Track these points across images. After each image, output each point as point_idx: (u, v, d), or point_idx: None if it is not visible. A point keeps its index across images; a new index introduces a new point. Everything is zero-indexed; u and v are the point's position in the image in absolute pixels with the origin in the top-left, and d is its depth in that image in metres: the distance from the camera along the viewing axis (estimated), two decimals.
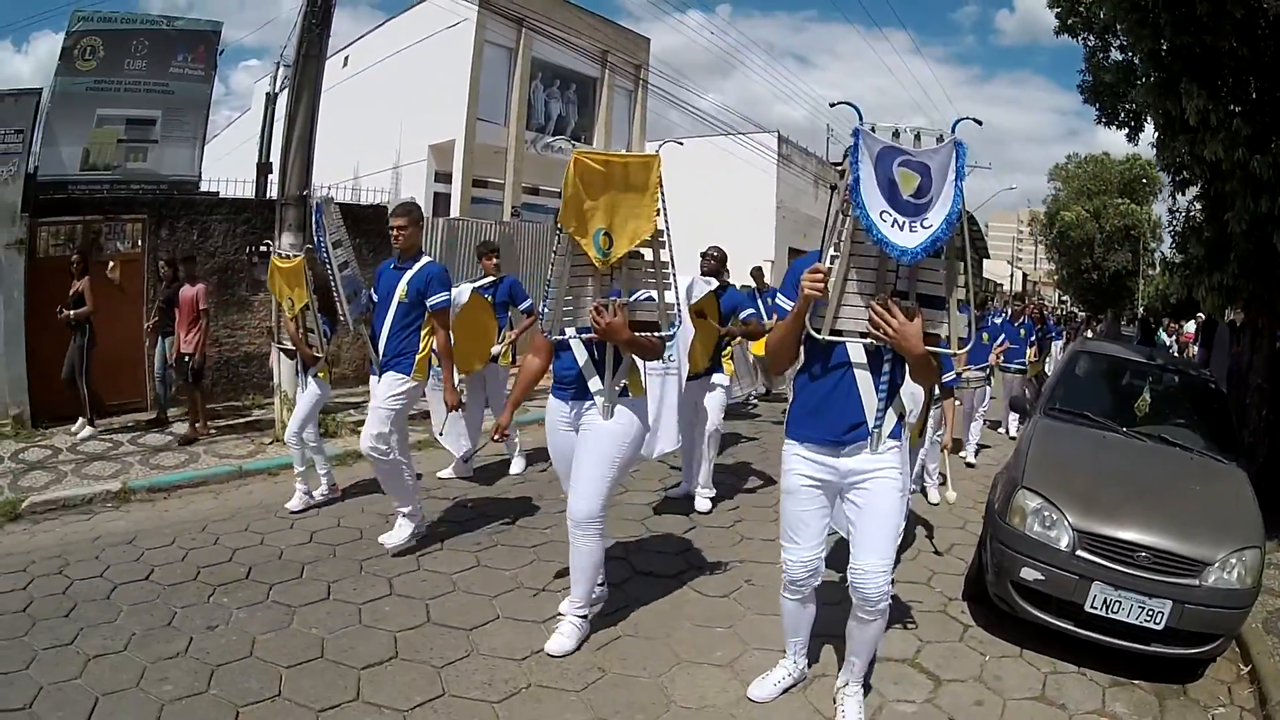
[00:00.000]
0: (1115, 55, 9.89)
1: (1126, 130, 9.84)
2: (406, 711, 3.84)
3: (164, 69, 10.49)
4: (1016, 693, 4.57)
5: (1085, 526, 4.90)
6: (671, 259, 4.36)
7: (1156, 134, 8.72)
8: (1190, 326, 19.91)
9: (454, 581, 5.14)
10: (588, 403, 4.49)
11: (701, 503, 7.22)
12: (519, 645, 4.54)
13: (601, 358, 4.44)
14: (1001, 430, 12.55)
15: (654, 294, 4.38)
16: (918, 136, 3.20)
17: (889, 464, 3.60)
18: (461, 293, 7.34)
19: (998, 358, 10.76)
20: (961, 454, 10.07)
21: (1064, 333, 21.27)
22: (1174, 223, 9.46)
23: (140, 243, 10.29)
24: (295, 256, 6.66)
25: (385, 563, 5.64)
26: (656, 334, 4.37)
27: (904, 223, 3.18)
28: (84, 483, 7.12)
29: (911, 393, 4.69)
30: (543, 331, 4.51)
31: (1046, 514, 5.04)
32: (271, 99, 15.04)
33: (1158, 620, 4.62)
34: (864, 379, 3.54)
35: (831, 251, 3.47)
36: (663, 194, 4.26)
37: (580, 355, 4.47)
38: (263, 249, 9.76)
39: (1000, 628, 5.25)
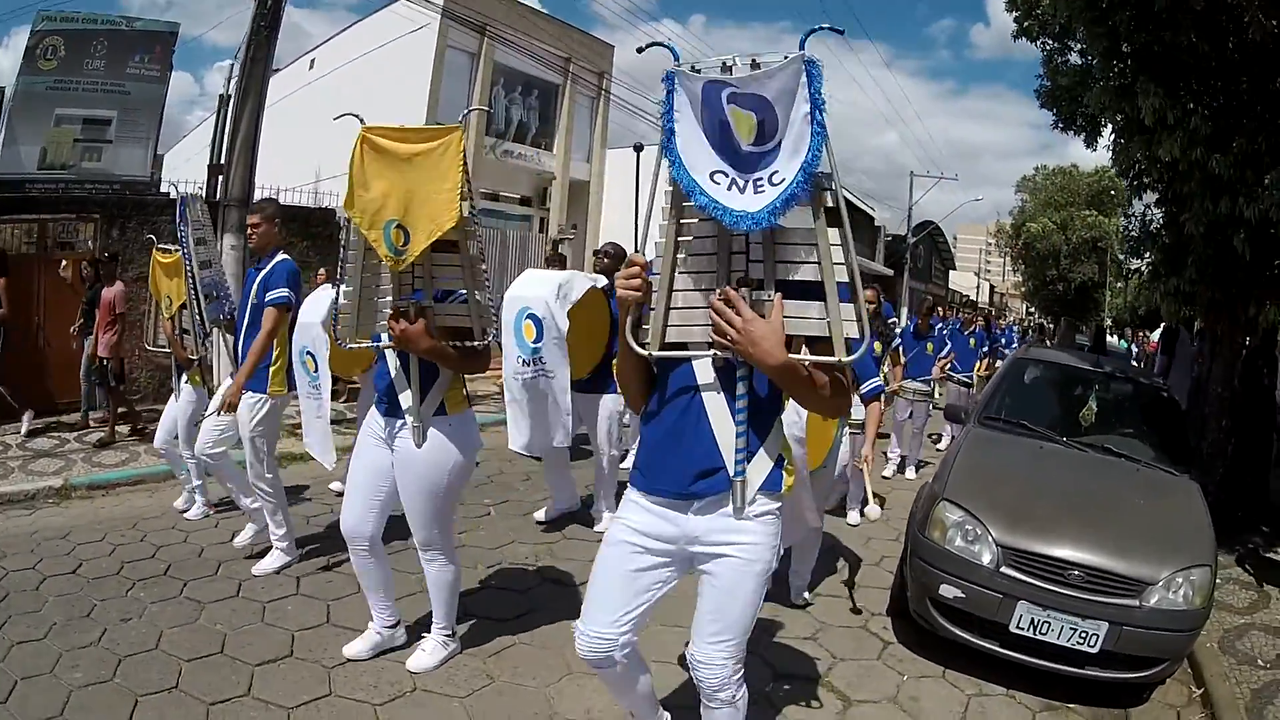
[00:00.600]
0: (1074, 59, 9.73)
1: (1084, 135, 9.69)
2: (291, 709, 3.84)
3: (121, 69, 10.66)
4: (934, 715, 4.33)
5: (1010, 542, 4.61)
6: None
7: (1113, 137, 8.53)
8: (1156, 335, 19.86)
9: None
10: (399, 421, 3.91)
11: (601, 522, 6.57)
12: (410, 650, 4.40)
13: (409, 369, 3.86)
14: (941, 446, 11.44)
15: (467, 294, 3.72)
16: (754, 64, 2.27)
17: (753, 539, 2.63)
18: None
19: (942, 370, 10.18)
20: (903, 474, 9.73)
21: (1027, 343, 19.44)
22: (1129, 228, 9.29)
23: (93, 242, 10.40)
24: (175, 251, 6.22)
25: (297, 563, 5.59)
26: (471, 342, 3.75)
27: (744, 182, 2.35)
28: (29, 479, 7.29)
29: (795, 420, 3.96)
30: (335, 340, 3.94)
31: (968, 528, 4.74)
32: (225, 100, 14.86)
33: (1092, 643, 4.32)
34: (716, 407, 2.59)
35: (656, 236, 2.59)
36: (467, 174, 3.63)
37: (392, 365, 3.90)
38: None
39: (924, 647, 4.99)
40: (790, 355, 2.40)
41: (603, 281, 6.40)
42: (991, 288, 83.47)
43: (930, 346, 10.02)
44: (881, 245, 43.79)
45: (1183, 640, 4.41)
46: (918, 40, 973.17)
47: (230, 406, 5.33)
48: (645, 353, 2.57)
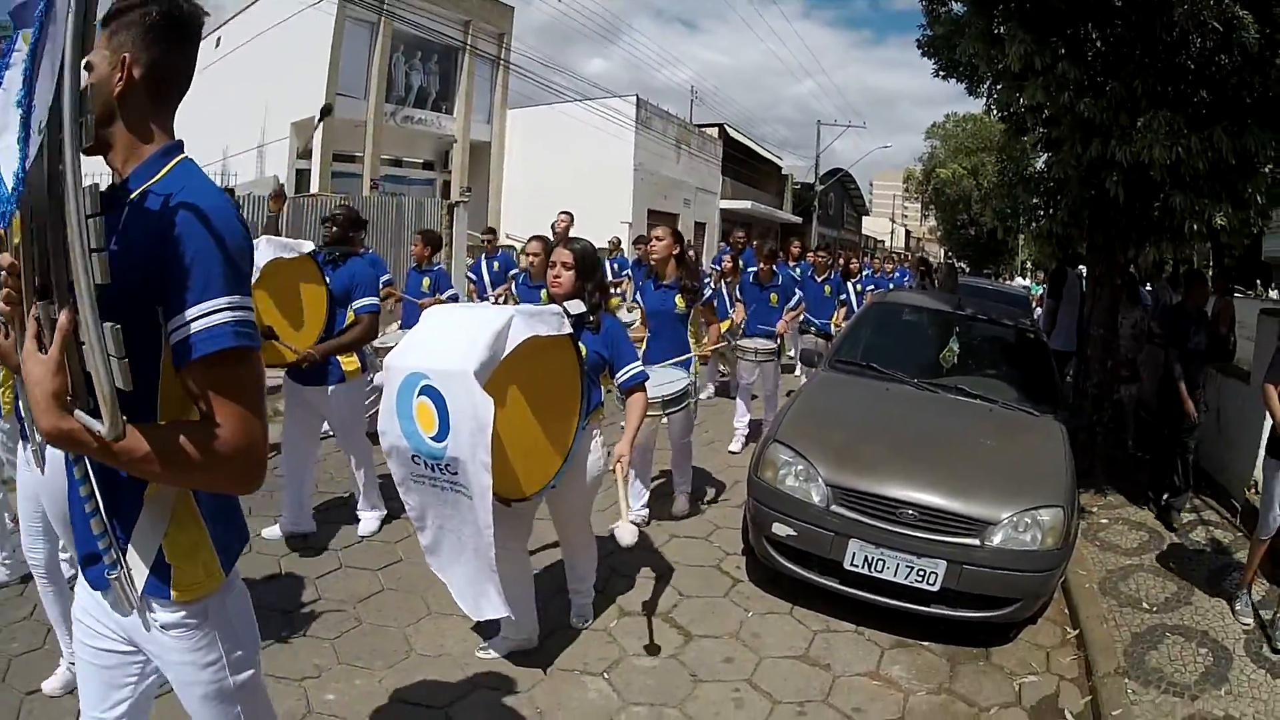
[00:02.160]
0: (956, 7, 9.71)
1: (965, 83, 9.69)
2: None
3: None
4: (775, 651, 4.43)
5: (839, 481, 4.70)
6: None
7: (989, 83, 8.55)
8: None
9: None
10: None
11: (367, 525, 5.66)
12: (290, 598, 4.66)
13: None
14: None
15: None
16: None
17: (174, 656, 1.91)
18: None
19: (788, 324, 8.61)
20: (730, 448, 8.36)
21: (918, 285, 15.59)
22: (1004, 171, 9.34)
23: None
24: None
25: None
26: None
27: None
28: None
29: None
30: None
31: (799, 468, 4.83)
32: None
33: (931, 581, 4.41)
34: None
35: None
36: None
37: None
38: None
39: (774, 585, 5.12)
40: (77, 416, 1.51)
41: (307, 247, 5.22)
42: (907, 232, 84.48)
43: (774, 297, 8.62)
44: (789, 193, 44.12)
45: (1035, 581, 4.46)
46: None
47: None
48: None
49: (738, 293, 9.22)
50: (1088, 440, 7.41)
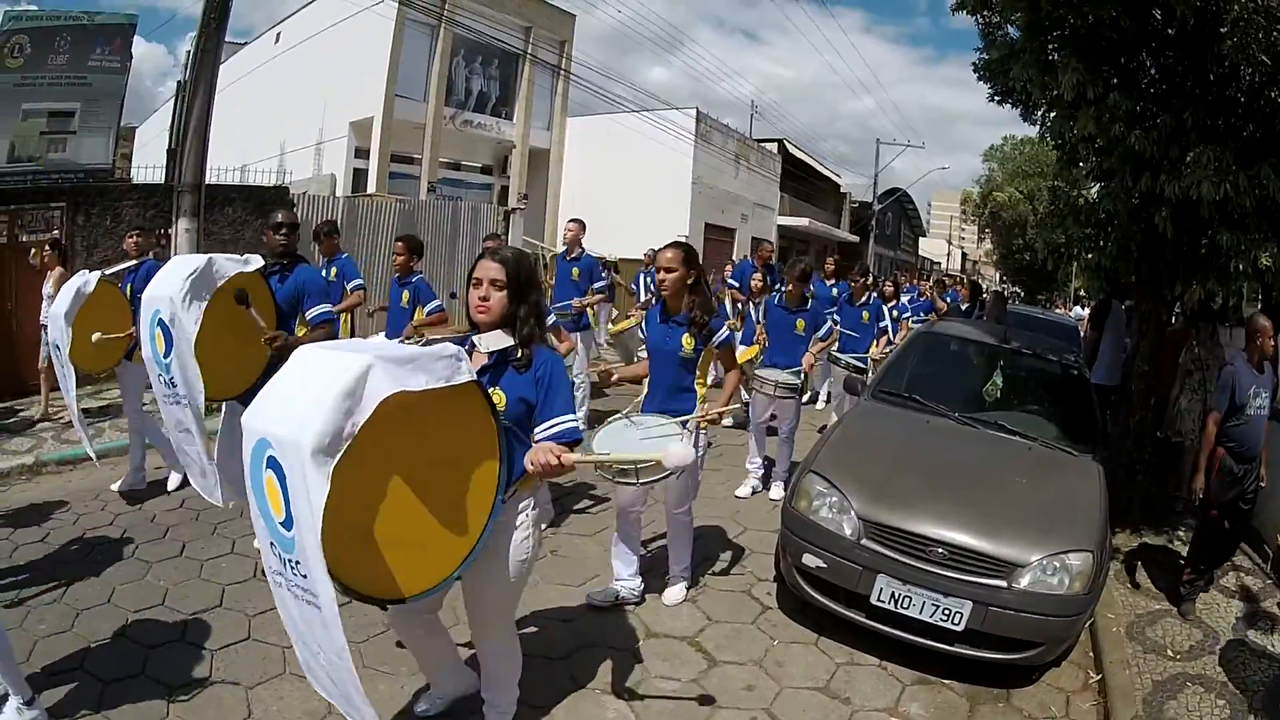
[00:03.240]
0: (1012, 32, 9.63)
1: (1020, 109, 9.60)
2: (215, 650, 4.36)
3: (83, 62, 10.98)
4: (797, 681, 4.42)
5: (872, 516, 4.68)
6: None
7: (1043, 111, 8.47)
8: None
9: None
10: None
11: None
12: None
13: None
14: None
15: None
16: None
17: None
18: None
19: (814, 359, 7.47)
20: (767, 491, 7.51)
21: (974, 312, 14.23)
22: (1055, 202, 9.21)
23: (60, 230, 10.74)
24: None
25: (235, 525, 5.93)
26: None
27: None
28: (4, 457, 7.60)
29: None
30: None
31: (832, 499, 4.83)
32: (183, 87, 14.86)
33: (955, 621, 4.36)
34: None
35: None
36: None
37: None
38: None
39: (802, 614, 5.10)
40: None
41: (256, 262, 4.96)
42: (964, 254, 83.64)
43: (801, 324, 7.46)
44: (848, 211, 43.83)
45: (1059, 625, 4.40)
46: (896, 6, 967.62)
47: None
48: None
49: (761, 315, 8.71)
50: (1127, 479, 7.29)
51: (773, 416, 7.44)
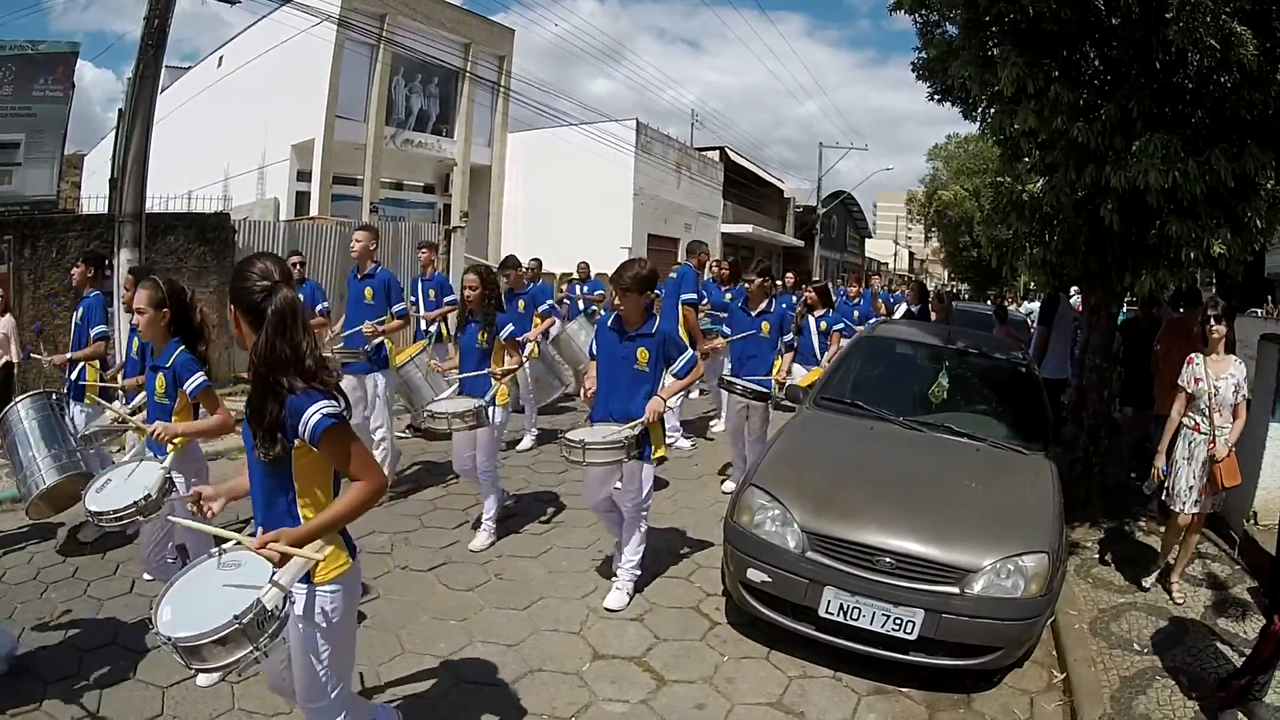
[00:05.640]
0: (951, 29, 9.58)
1: (960, 107, 9.57)
2: (166, 688, 4.13)
3: (28, 92, 11.09)
4: (748, 697, 4.30)
5: (815, 527, 4.56)
6: None
7: (983, 107, 8.43)
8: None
9: None
10: None
11: None
12: None
13: None
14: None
15: None
16: None
17: None
18: None
19: (786, 375, 7.21)
20: None
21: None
22: (999, 198, 9.15)
23: (6, 262, 10.72)
24: None
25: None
26: None
27: None
28: None
29: None
30: None
31: (774, 513, 4.71)
32: (123, 115, 14.60)
33: (908, 630, 4.25)
34: None
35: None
36: None
37: None
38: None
39: (752, 628, 4.99)
40: None
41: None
42: (911, 254, 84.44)
43: (766, 327, 7.28)
44: (792, 216, 44.14)
45: (1017, 628, 4.30)
46: (838, 10, 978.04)
47: None
48: None
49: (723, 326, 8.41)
50: (1084, 471, 7.23)
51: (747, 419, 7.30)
